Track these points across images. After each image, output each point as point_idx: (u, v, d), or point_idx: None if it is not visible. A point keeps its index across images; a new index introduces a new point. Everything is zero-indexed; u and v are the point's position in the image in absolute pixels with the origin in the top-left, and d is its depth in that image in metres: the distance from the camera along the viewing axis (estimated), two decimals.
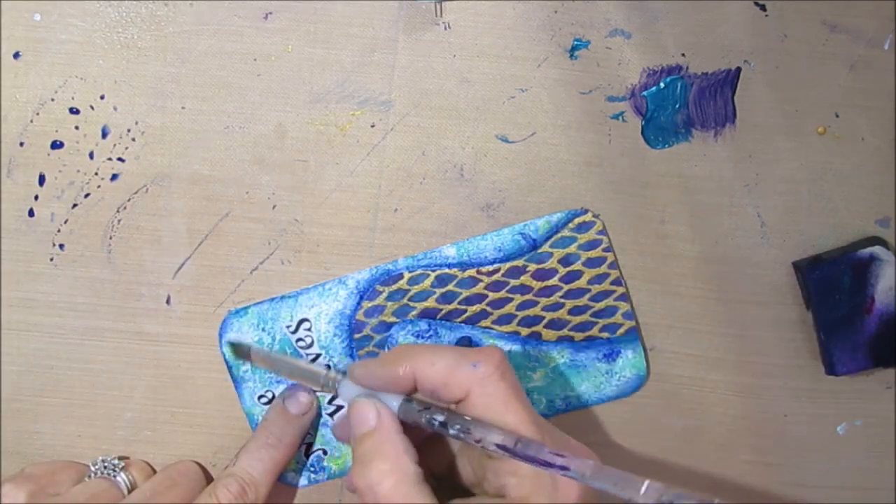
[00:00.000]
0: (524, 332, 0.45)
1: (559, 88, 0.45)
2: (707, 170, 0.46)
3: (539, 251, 0.45)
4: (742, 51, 0.45)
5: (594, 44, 0.45)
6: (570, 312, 0.45)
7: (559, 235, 0.45)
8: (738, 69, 0.45)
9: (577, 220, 0.45)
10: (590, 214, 0.45)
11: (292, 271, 0.46)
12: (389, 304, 0.45)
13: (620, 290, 0.45)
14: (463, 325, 0.45)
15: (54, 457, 0.46)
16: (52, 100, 0.45)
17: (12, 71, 0.44)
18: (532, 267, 0.45)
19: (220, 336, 0.45)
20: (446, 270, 0.45)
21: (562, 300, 0.45)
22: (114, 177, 0.45)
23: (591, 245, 0.45)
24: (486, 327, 0.45)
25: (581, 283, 0.45)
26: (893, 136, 0.46)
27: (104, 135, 0.45)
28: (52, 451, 0.46)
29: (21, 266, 0.45)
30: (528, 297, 0.45)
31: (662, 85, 0.45)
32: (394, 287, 0.45)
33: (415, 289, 0.45)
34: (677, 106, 0.45)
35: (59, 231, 0.45)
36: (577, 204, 0.46)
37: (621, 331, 0.45)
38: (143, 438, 0.46)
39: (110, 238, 0.45)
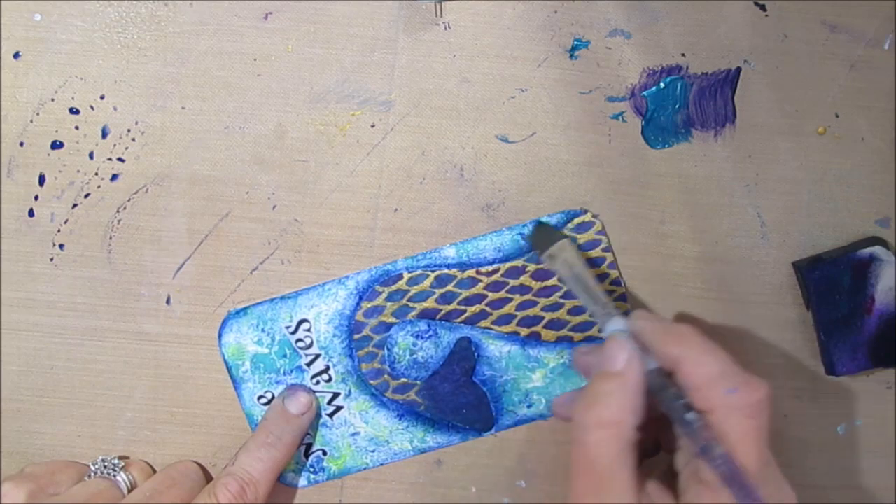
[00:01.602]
0: (524, 332, 0.45)
1: (559, 88, 0.45)
2: (707, 170, 0.46)
3: None
4: (742, 51, 0.45)
5: (594, 44, 0.45)
6: (570, 312, 0.45)
7: None
8: (738, 69, 0.45)
9: (576, 220, 0.45)
10: (589, 215, 0.45)
11: (292, 271, 0.46)
12: (389, 304, 0.45)
13: (620, 290, 0.45)
14: (462, 325, 0.45)
15: (54, 457, 0.46)
16: (52, 100, 0.45)
17: (12, 71, 0.44)
18: (531, 267, 0.45)
19: (220, 337, 0.45)
20: (446, 271, 0.45)
21: (561, 300, 0.45)
22: (114, 177, 0.45)
23: (591, 245, 0.45)
24: (485, 328, 0.45)
25: None
26: (893, 136, 0.46)
27: (104, 135, 0.45)
28: (52, 451, 0.46)
29: (21, 266, 0.45)
30: (528, 297, 0.45)
31: (662, 85, 0.45)
32: (393, 287, 0.45)
33: (414, 289, 0.45)
34: (677, 106, 0.45)
35: (59, 231, 0.45)
36: (578, 204, 0.46)
37: None
38: (143, 438, 0.46)
39: (110, 238, 0.45)
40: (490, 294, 0.45)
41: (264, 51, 0.45)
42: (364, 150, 0.45)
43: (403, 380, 0.45)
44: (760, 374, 0.46)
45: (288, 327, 0.45)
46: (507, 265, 0.45)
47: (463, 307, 0.45)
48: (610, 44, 0.45)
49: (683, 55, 0.45)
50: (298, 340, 0.45)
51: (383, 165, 0.45)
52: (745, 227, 0.46)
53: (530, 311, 0.45)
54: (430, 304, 0.45)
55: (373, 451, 0.46)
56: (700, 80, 0.45)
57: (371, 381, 0.45)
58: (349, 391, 0.46)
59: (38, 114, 0.45)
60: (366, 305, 0.45)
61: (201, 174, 0.45)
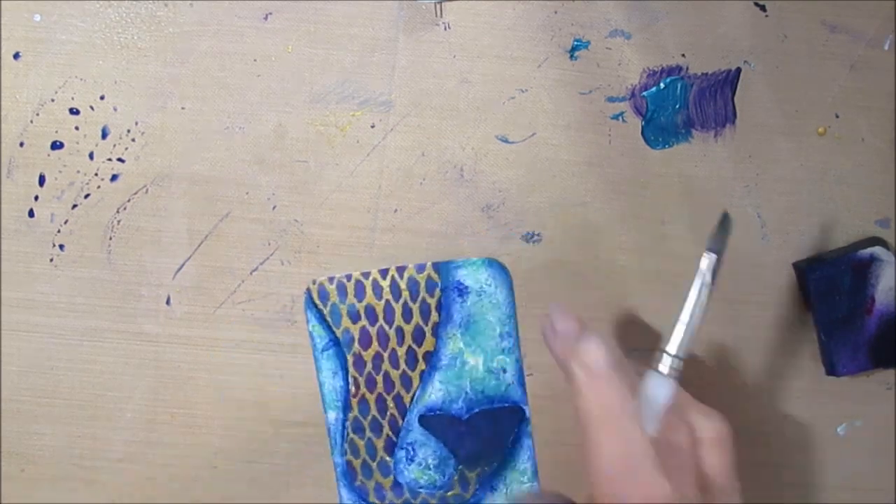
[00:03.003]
0: None
1: (559, 89, 0.45)
2: (707, 170, 0.46)
3: None
4: (742, 51, 0.45)
5: (594, 44, 0.45)
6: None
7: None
8: (738, 69, 0.45)
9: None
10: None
11: (292, 272, 0.46)
12: None
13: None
14: None
15: (54, 457, 0.46)
16: (52, 100, 0.45)
17: (12, 71, 0.44)
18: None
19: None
20: None
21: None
22: (114, 177, 0.45)
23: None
24: None
25: None
26: (893, 136, 0.46)
27: (104, 135, 0.45)
28: (52, 451, 0.46)
29: (21, 266, 0.45)
30: None
31: (662, 85, 0.45)
32: None
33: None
34: (677, 106, 0.45)
35: (59, 231, 0.45)
36: (578, 203, 0.46)
37: None
38: (143, 439, 0.46)
39: (110, 238, 0.45)
40: None
41: (264, 51, 0.45)
42: (364, 151, 0.45)
43: None
44: (760, 374, 0.46)
45: None
46: None
47: None
48: (610, 44, 0.45)
49: (683, 55, 0.45)
50: None
51: (383, 166, 0.45)
52: (745, 227, 0.46)
53: None
54: None
55: None
56: (700, 81, 0.45)
57: None
58: None
59: (38, 114, 0.45)
60: None
61: (201, 174, 0.45)
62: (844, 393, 0.47)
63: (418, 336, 0.43)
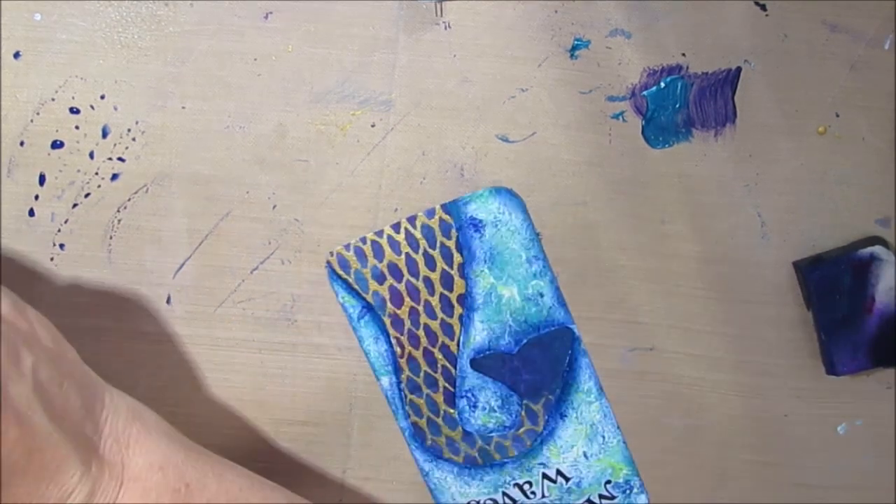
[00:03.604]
0: None
1: (559, 88, 0.45)
2: (707, 170, 0.46)
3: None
4: (742, 51, 0.45)
5: (594, 44, 0.45)
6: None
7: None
8: (739, 69, 0.45)
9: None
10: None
11: (293, 271, 0.46)
12: None
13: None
14: None
15: None
16: (53, 100, 0.45)
17: (12, 71, 0.44)
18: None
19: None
20: None
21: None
22: (114, 177, 0.45)
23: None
24: None
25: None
26: (893, 136, 0.46)
27: (104, 134, 0.45)
28: None
29: (21, 266, 0.45)
30: None
31: (663, 85, 0.45)
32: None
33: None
34: (677, 106, 0.45)
35: (59, 231, 0.45)
36: (578, 203, 0.46)
37: None
38: None
39: (110, 238, 0.45)
40: None
41: (264, 51, 0.45)
42: (364, 150, 0.45)
43: None
44: (760, 373, 0.46)
45: None
46: None
47: None
48: (610, 43, 0.45)
49: (684, 55, 0.45)
50: None
51: (383, 165, 0.45)
52: (745, 227, 0.46)
53: None
54: None
55: None
56: (700, 80, 0.45)
57: None
58: None
59: (38, 113, 0.45)
60: None
61: (201, 174, 0.45)
62: (844, 393, 0.47)
63: (447, 281, 0.43)
